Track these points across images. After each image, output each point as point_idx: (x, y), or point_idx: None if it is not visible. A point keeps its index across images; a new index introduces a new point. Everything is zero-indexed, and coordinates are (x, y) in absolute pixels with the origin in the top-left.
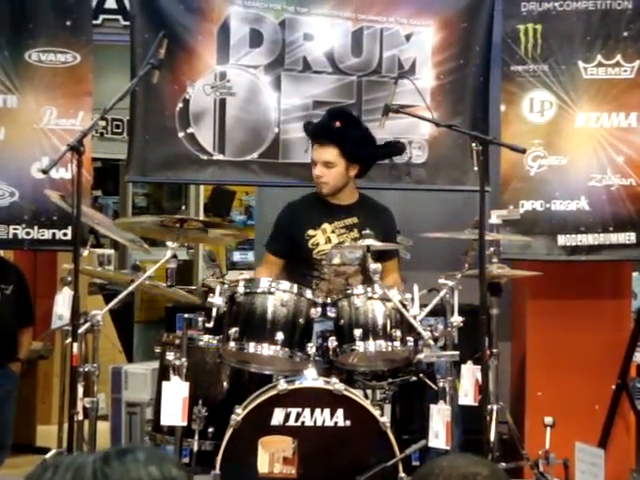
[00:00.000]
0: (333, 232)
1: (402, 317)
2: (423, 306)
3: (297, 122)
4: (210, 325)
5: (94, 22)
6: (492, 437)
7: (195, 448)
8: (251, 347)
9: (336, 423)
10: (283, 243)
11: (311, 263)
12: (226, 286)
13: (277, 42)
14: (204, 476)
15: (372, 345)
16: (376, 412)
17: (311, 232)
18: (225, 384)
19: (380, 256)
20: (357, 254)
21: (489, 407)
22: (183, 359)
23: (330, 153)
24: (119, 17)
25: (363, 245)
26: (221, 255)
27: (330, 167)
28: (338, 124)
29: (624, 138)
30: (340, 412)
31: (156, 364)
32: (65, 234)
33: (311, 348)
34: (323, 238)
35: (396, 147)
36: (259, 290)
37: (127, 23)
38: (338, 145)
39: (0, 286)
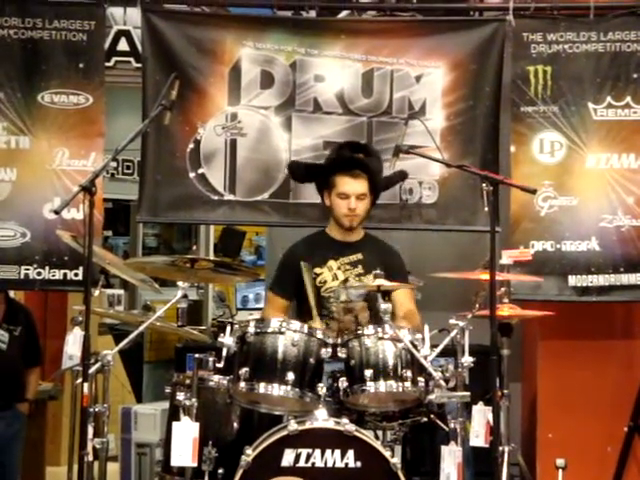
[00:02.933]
0: (339, 269)
1: (413, 357)
2: (434, 346)
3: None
4: (220, 365)
5: (106, 64)
6: (504, 479)
7: None
8: (261, 387)
9: (347, 464)
10: (289, 284)
11: (319, 301)
12: (236, 326)
13: (288, 83)
14: None
15: (383, 386)
16: (387, 453)
17: (318, 270)
18: (235, 424)
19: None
20: (361, 290)
21: (500, 448)
22: (193, 399)
23: (363, 185)
24: (131, 59)
25: (375, 285)
26: (231, 295)
27: (363, 199)
28: (362, 156)
29: (634, 179)
30: (351, 453)
31: (165, 404)
32: (76, 274)
33: (322, 388)
34: (330, 275)
35: (400, 174)
36: (270, 330)
37: (139, 65)
38: (368, 177)
39: (9, 327)
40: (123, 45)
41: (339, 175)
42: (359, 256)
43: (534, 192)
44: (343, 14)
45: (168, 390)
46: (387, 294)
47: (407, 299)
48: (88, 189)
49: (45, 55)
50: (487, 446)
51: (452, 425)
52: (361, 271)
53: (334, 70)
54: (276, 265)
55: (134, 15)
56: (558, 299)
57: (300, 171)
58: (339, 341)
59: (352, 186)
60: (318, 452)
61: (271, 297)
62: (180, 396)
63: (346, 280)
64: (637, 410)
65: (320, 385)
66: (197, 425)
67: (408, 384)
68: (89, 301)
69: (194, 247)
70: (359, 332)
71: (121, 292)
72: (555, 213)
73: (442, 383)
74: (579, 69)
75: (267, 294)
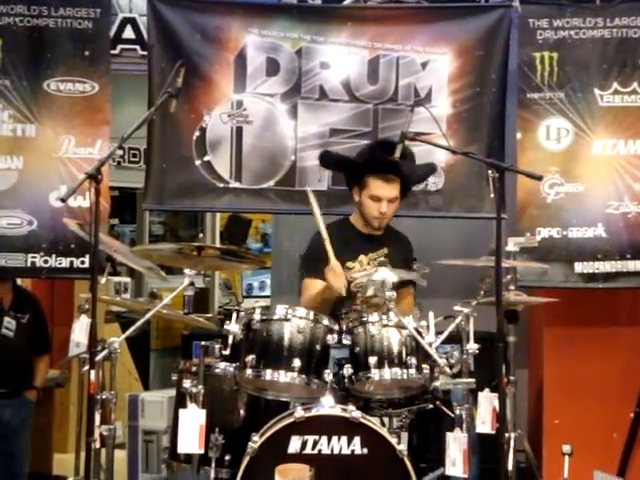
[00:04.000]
0: (369, 264)
1: (418, 344)
2: (439, 333)
3: (313, 150)
4: (227, 352)
5: (112, 52)
6: (510, 466)
7: (212, 476)
8: (268, 374)
9: (353, 451)
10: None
11: (347, 294)
12: (243, 313)
13: (294, 71)
14: None
15: (387, 373)
16: (393, 440)
17: (349, 264)
18: (242, 411)
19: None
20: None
21: (506, 435)
22: (200, 386)
23: (396, 189)
24: (137, 47)
25: (379, 271)
26: (237, 283)
27: (394, 202)
28: (397, 157)
29: None
30: (357, 440)
31: (172, 392)
32: (83, 262)
33: (328, 375)
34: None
35: (429, 167)
36: (275, 317)
37: (145, 53)
38: (401, 180)
39: (16, 315)
40: (129, 33)
41: (373, 177)
42: (385, 250)
43: (540, 179)
44: (349, 1)
45: (175, 377)
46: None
47: (410, 294)
48: (94, 177)
49: (51, 43)
50: (493, 433)
51: (458, 412)
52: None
53: (340, 57)
54: (283, 252)
55: (139, 3)
56: (564, 286)
57: (331, 162)
58: (344, 328)
59: (385, 191)
60: (325, 439)
61: (310, 282)
62: (187, 383)
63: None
64: None
65: (326, 371)
66: (204, 412)
67: (413, 371)
68: (96, 289)
69: (201, 235)
70: (364, 319)
71: (128, 280)
72: (561, 200)
73: (447, 370)
74: (585, 55)
75: (303, 283)
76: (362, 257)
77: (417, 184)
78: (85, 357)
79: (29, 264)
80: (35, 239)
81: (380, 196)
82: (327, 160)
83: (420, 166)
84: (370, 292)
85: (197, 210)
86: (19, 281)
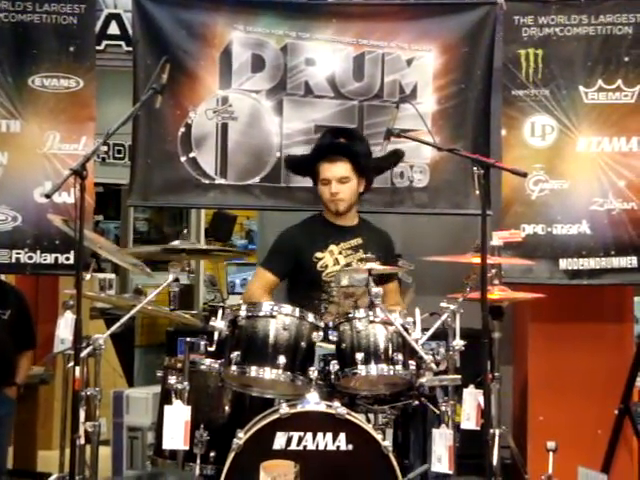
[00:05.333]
0: (340, 253)
1: (404, 341)
2: (425, 330)
3: (299, 146)
4: (212, 349)
5: (97, 48)
6: (494, 462)
7: (197, 472)
8: (253, 371)
9: (338, 447)
10: (284, 263)
11: (320, 285)
12: (228, 310)
13: (279, 67)
14: None
15: (374, 369)
16: (378, 436)
17: (319, 254)
18: (227, 408)
19: (382, 277)
20: (364, 275)
21: (491, 431)
22: (185, 383)
23: (344, 168)
24: (122, 43)
25: (366, 268)
26: (222, 280)
27: (345, 182)
28: (343, 140)
29: (625, 162)
30: (342, 436)
31: (157, 388)
32: (67, 258)
33: (313, 372)
34: (331, 260)
35: (396, 155)
36: (261, 314)
37: (130, 49)
38: (349, 159)
39: None
40: (114, 29)
41: (320, 163)
42: (359, 240)
43: (525, 175)
44: None
45: (160, 374)
46: (387, 279)
47: (396, 290)
48: (79, 173)
49: (36, 39)
50: (478, 429)
51: (443, 408)
52: (363, 255)
53: (325, 54)
54: (268, 248)
55: None
56: (549, 282)
57: (294, 164)
58: (330, 324)
59: (331, 171)
60: (310, 435)
61: (260, 272)
62: (172, 380)
63: (348, 265)
64: (627, 393)
65: (312, 369)
66: (189, 408)
67: (399, 367)
68: (80, 285)
69: (185, 231)
70: (350, 315)
71: (112, 276)
72: (546, 196)
73: (433, 366)
74: (570, 52)
75: (256, 270)
76: (333, 247)
77: (382, 171)
78: (70, 353)
79: (14, 260)
80: (19, 235)
81: (328, 177)
82: (290, 164)
83: (384, 155)
84: (345, 282)
85: (182, 206)
86: (2, 276)
